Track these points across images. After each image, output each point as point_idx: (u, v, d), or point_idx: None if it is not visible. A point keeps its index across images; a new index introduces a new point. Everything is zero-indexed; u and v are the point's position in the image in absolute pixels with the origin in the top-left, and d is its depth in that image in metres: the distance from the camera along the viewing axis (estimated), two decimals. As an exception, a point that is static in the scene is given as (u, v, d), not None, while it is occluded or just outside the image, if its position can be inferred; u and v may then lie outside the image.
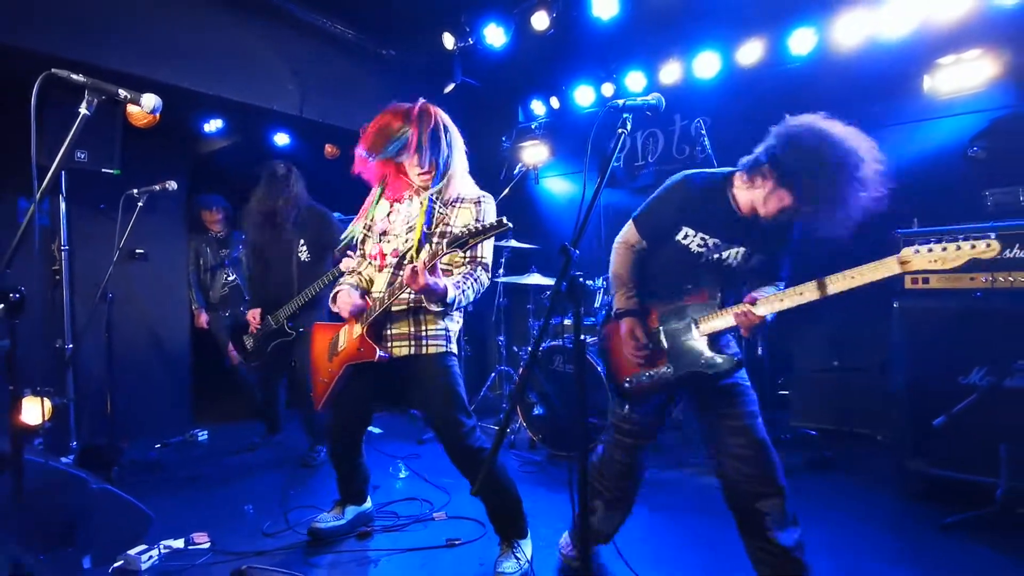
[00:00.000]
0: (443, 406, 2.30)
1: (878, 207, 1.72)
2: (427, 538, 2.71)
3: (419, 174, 2.34)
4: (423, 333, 2.33)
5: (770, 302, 1.84)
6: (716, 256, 2.03)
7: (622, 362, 2.10)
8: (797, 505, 1.90)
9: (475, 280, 2.28)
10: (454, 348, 2.42)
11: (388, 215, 2.44)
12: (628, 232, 2.16)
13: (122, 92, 1.74)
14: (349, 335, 2.41)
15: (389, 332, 2.35)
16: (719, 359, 1.92)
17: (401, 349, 2.33)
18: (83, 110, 1.69)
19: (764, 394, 3.99)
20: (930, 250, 1.62)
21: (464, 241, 1.98)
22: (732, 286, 2.06)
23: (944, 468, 2.85)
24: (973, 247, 1.58)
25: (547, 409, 3.75)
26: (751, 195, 1.93)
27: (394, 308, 2.31)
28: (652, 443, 2.21)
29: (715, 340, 1.98)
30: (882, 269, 1.66)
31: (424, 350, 2.33)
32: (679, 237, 2.03)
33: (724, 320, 1.92)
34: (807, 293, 1.78)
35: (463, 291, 2.20)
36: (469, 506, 2.99)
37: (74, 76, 1.69)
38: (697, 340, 1.97)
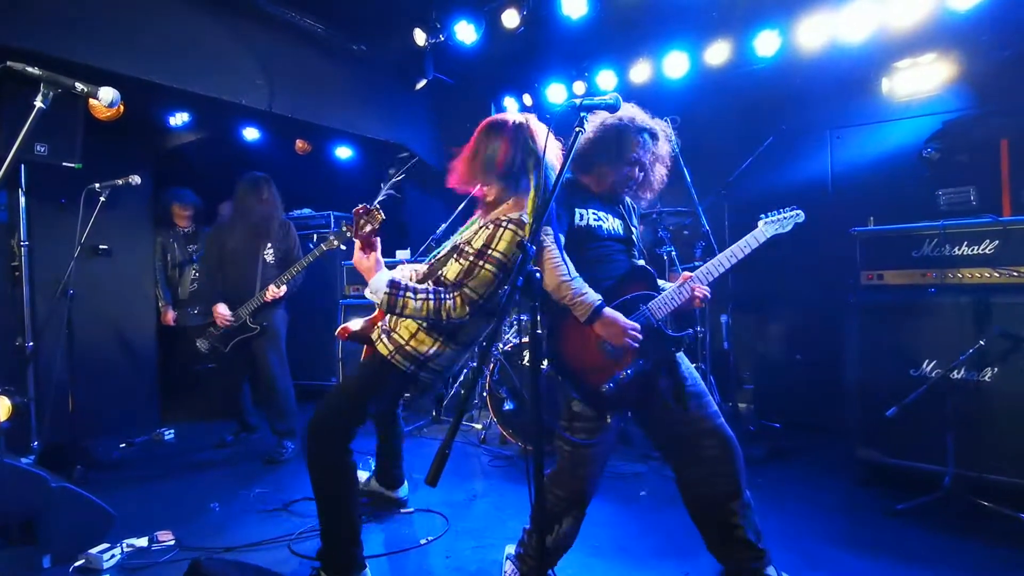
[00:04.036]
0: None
1: None
2: (397, 533, 2.74)
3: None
4: (387, 328, 2.24)
5: (705, 271, 2.03)
6: (607, 224, 2.11)
7: (595, 367, 1.95)
8: (755, 496, 1.98)
9: (434, 299, 1.99)
10: (401, 362, 2.13)
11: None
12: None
13: (79, 85, 1.72)
14: None
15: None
16: (680, 334, 2.02)
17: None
18: (38, 103, 1.66)
19: (729, 387, 4.11)
20: (768, 222, 2.13)
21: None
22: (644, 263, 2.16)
23: (894, 457, 2.96)
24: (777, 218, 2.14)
25: (518, 404, 3.79)
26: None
27: None
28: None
29: (670, 320, 2.05)
30: (758, 236, 2.10)
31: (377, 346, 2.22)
32: (577, 220, 2.06)
33: (671, 302, 2.00)
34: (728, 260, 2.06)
35: (402, 294, 1.97)
36: (437, 502, 3.03)
37: (29, 69, 1.66)
38: (657, 325, 2.00)
